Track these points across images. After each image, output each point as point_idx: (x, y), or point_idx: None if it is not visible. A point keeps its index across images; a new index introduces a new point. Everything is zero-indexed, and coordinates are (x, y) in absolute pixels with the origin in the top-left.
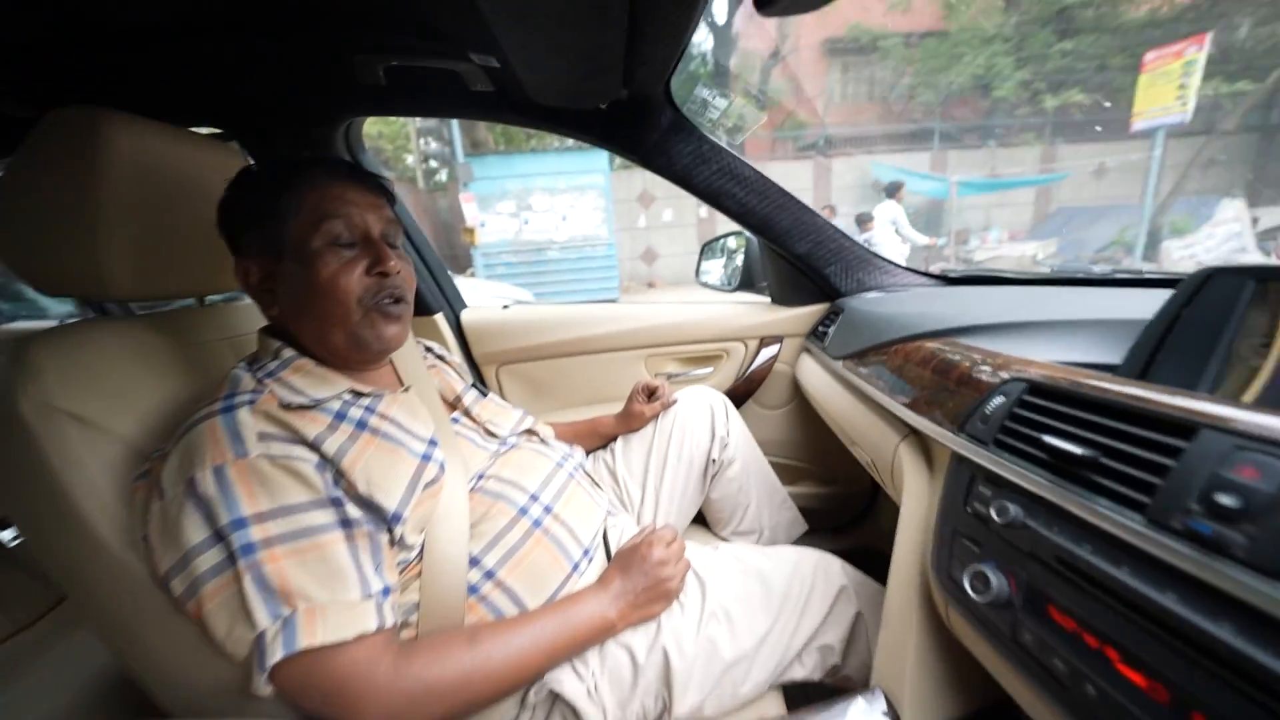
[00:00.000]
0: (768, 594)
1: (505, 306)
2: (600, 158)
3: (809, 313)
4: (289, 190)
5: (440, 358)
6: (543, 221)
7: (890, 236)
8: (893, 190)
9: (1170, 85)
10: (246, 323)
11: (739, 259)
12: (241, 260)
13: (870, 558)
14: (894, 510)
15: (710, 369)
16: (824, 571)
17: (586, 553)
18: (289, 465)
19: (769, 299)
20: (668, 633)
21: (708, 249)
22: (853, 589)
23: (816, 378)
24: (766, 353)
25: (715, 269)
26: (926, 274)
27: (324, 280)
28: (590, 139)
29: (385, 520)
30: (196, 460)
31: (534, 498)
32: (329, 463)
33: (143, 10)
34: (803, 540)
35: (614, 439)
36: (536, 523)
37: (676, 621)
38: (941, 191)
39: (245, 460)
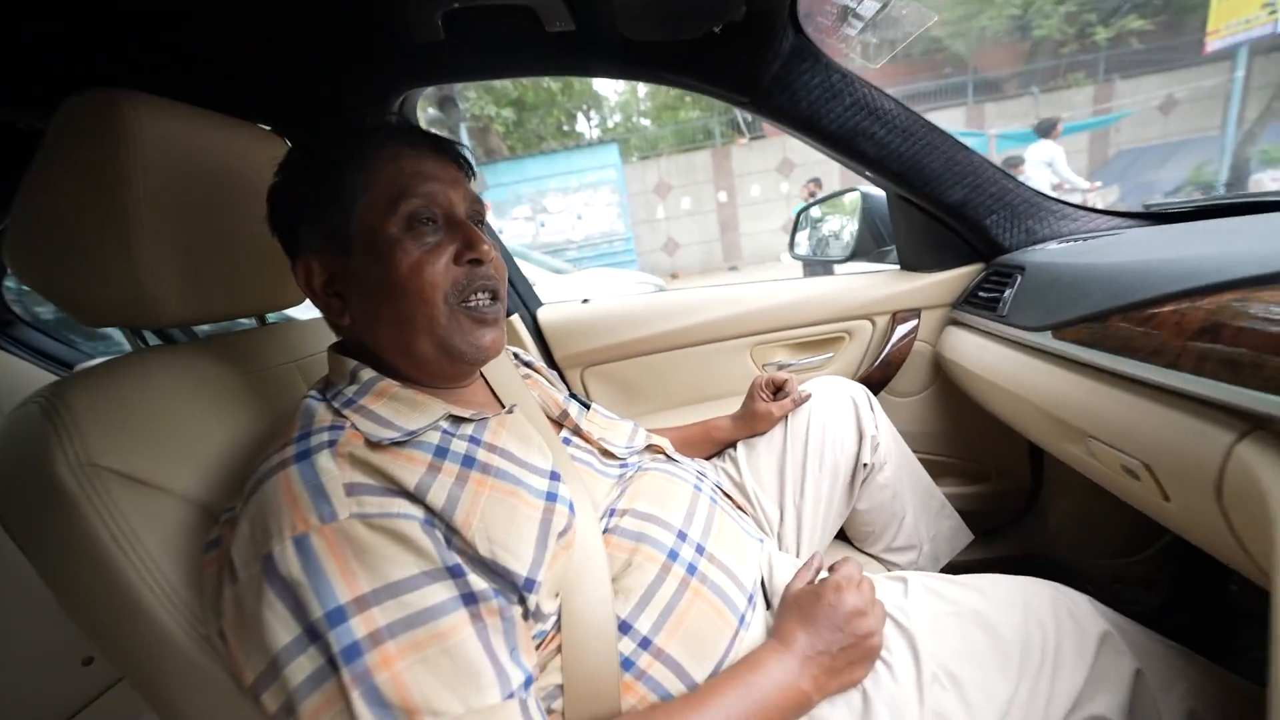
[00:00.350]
0: (998, 646)
1: (584, 301)
2: (610, 152)
3: (954, 277)
4: (354, 165)
5: (528, 364)
6: (559, 222)
7: (1044, 181)
8: (1046, 129)
9: None
10: (314, 341)
11: (847, 223)
12: (302, 259)
13: (1034, 567)
14: (1065, 509)
15: (829, 354)
16: (1068, 612)
17: (750, 599)
18: (390, 527)
19: (894, 265)
20: (880, 706)
21: (805, 217)
22: (1118, 635)
23: (983, 355)
24: (901, 329)
25: (813, 239)
26: (1124, 214)
27: (404, 273)
28: (690, 81)
29: (516, 589)
30: (273, 528)
31: (681, 536)
32: (438, 518)
33: None
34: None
35: (732, 445)
36: (691, 569)
37: (888, 689)
38: (978, 148)
39: (334, 525)
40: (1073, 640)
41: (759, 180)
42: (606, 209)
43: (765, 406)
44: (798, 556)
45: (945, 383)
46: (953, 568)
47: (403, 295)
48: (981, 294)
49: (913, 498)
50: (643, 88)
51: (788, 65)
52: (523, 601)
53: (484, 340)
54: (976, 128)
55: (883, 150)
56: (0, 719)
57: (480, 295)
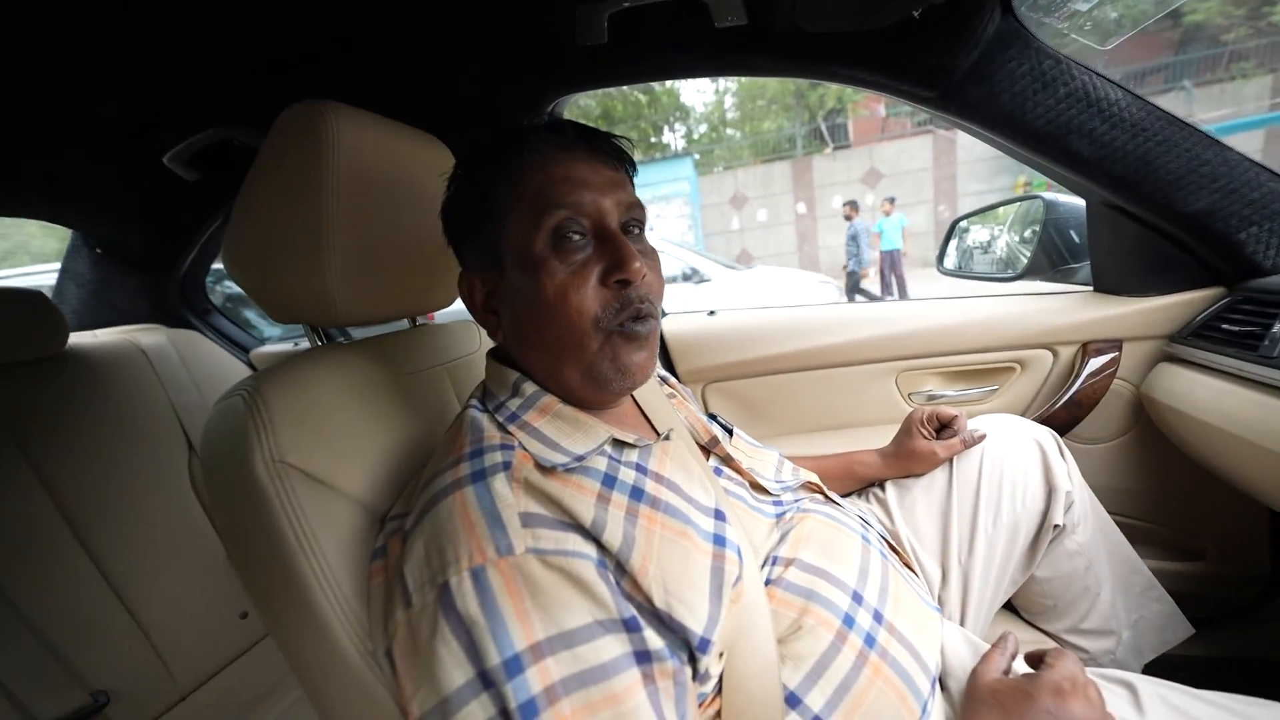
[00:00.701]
0: None
1: (711, 313)
2: (684, 165)
3: (1175, 304)
4: (502, 178)
5: (663, 380)
6: None
7: None
8: None
9: None
10: (460, 344)
11: (1018, 235)
12: (465, 276)
13: (1272, 679)
14: None
15: (992, 387)
16: None
17: (934, 685)
18: (565, 567)
19: (1083, 286)
20: None
21: (961, 227)
22: None
23: (1229, 404)
24: (1095, 363)
25: (969, 253)
26: None
27: (550, 296)
28: (868, 76)
29: (688, 648)
30: (450, 555)
31: (857, 598)
32: (610, 558)
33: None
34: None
35: (879, 485)
36: (870, 640)
37: None
38: None
39: (510, 559)
40: None
41: (843, 191)
42: (678, 220)
43: (927, 445)
44: (962, 625)
45: (1147, 430)
46: (1161, 665)
47: (549, 319)
48: (1228, 326)
49: (1111, 571)
50: (729, 97)
51: (989, 53)
52: (693, 662)
53: (632, 363)
54: None
55: (1103, 149)
56: (173, 662)
57: (631, 318)
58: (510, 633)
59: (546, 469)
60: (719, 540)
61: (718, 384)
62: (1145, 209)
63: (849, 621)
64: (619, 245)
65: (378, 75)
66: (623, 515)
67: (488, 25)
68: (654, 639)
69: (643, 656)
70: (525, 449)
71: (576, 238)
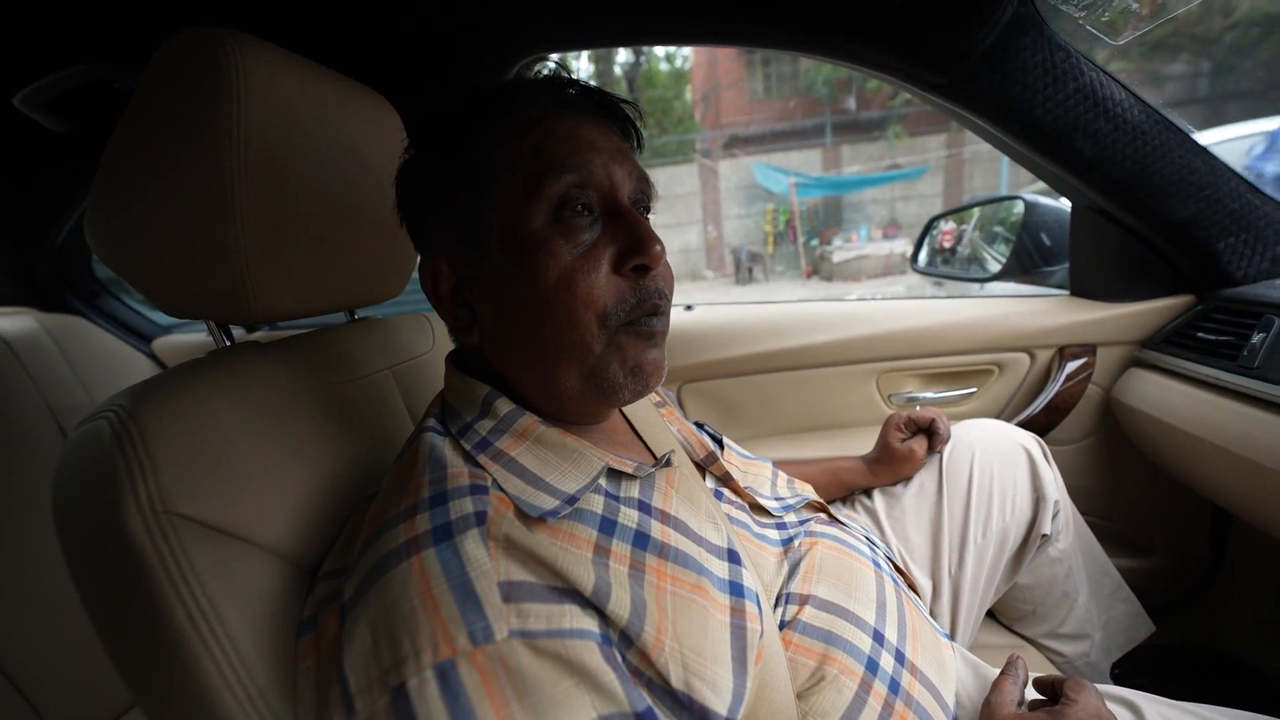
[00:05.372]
0: None
1: (688, 308)
2: None
3: (1149, 310)
4: (491, 135)
5: None
6: None
7: None
8: None
9: None
10: (408, 342)
11: (988, 234)
12: (430, 260)
13: (1209, 664)
14: (1253, 594)
15: (969, 390)
16: None
17: None
18: (563, 652)
19: (1058, 290)
20: None
21: (937, 227)
22: None
23: (1204, 411)
24: (1071, 366)
25: (943, 253)
26: None
27: (550, 283)
28: (876, 54)
29: None
30: (406, 646)
31: (878, 638)
32: (615, 629)
33: None
34: None
35: (863, 493)
36: (894, 686)
37: None
38: (786, 189)
39: (490, 648)
40: None
41: None
42: None
43: (906, 445)
44: (952, 638)
45: (1111, 433)
46: (1123, 661)
47: (546, 313)
48: (1203, 335)
49: (1087, 575)
50: None
51: (1005, 39)
52: None
53: (648, 364)
54: (834, 169)
55: (1104, 151)
56: (45, 710)
57: (648, 314)
58: None
59: (536, 518)
60: (736, 590)
61: (694, 384)
62: (1133, 214)
63: (873, 667)
64: (635, 223)
65: (297, 9)
66: (626, 572)
67: None
68: None
69: None
70: (502, 489)
71: (583, 213)
